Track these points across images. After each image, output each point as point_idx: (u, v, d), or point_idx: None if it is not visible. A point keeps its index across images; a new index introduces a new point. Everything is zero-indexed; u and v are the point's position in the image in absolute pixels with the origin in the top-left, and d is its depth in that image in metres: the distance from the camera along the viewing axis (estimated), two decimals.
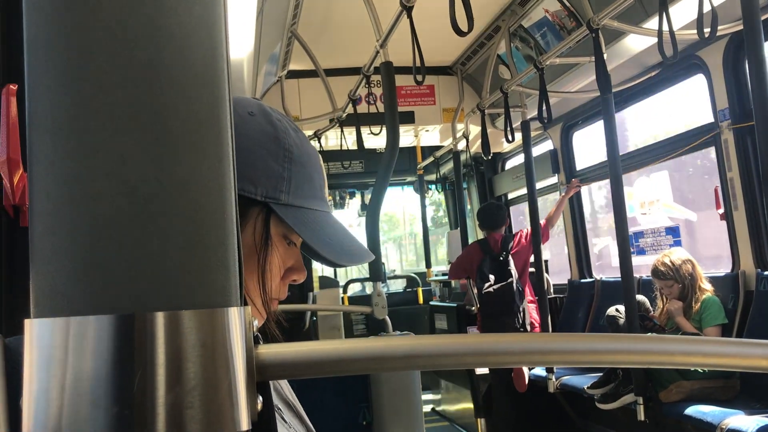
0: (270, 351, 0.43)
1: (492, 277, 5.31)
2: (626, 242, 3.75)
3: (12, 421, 0.42)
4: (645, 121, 5.38)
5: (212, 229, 0.40)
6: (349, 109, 5.30)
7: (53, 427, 0.36)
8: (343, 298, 7.35)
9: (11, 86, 1.21)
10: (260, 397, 0.43)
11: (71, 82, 0.38)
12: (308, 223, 0.87)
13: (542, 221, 5.30)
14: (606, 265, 6.44)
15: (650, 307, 4.23)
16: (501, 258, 5.34)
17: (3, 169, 1.19)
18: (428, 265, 7.98)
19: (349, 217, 9.01)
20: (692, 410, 3.56)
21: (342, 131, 5.71)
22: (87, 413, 0.36)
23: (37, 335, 0.37)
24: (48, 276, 0.37)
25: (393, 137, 3.46)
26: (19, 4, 0.40)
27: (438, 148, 7.43)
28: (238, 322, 0.40)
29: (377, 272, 3.60)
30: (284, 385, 1.03)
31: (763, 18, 2.68)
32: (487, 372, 5.61)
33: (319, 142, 6.14)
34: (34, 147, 0.39)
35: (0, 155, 1.19)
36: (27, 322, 0.38)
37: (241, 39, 3.26)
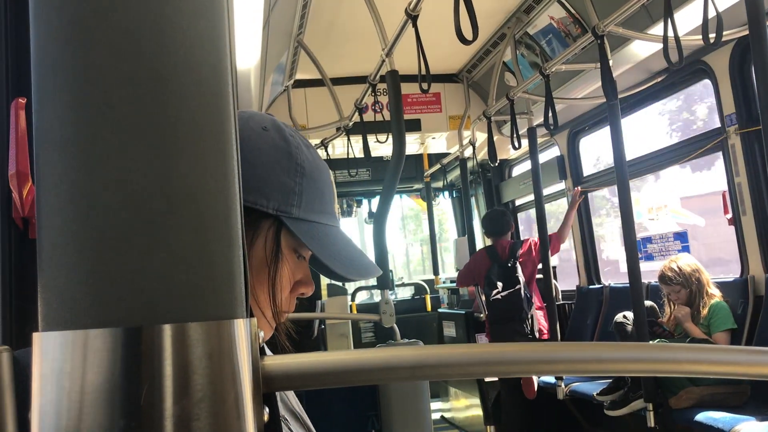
0: (276, 362, 0.44)
1: (500, 284, 5.29)
2: (634, 248, 3.74)
3: None
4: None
5: (218, 241, 0.40)
6: (356, 118, 5.31)
7: None
8: (351, 306, 7.35)
9: (20, 100, 1.22)
10: (267, 409, 0.43)
11: (77, 95, 0.38)
12: (318, 237, 0.88)
13: (553, 233, 5.27)
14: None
15: (659, 313, 4.21)
16: (509, 265, 5.33)
17: (12, 181, 1.20)
18: (436, 272, 7.97)
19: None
20: (703, 416, 3.54)
21: (349, 140, 5.72)
22: (95, 426, 0.36)
23: (46, 348, 0.38)
24: (56, 289, 0.38)
25: (399, 145, 3.47)
26: (28, 18, 0.40)
27: (445, 155, 7.43)
28: (244, 333, 0.41)
29: (385, 280, 3.59)
30: (290, 395, 1.04)
31: None
32: (496, 379, 5.60)
33: (326, 150, 6.15)
34: (41, 160, 0.39)
35: (9, 168, 1.20)
36: (35, 335, 0.38)
37: (247, 49, 3.27)
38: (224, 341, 0.39)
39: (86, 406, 0.36)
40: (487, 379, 5.65)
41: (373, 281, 7.52)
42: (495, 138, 5.41)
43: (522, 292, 5.22)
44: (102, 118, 0.38)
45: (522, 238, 5.79)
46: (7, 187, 1.22)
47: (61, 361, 0.37)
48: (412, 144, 6.92)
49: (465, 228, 6.66)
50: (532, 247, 5.37)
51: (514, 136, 4.90)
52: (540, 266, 5.23)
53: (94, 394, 0.36)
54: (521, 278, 5.25)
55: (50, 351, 0.37)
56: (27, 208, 1.22)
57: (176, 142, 0.39)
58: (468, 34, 2.82)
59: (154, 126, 0.38)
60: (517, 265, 5.29)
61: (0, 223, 1.23)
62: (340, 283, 6.13)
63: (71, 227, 0.38)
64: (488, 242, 6.14)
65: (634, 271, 3.71)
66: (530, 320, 5.22)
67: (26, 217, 1.24)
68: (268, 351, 0.96)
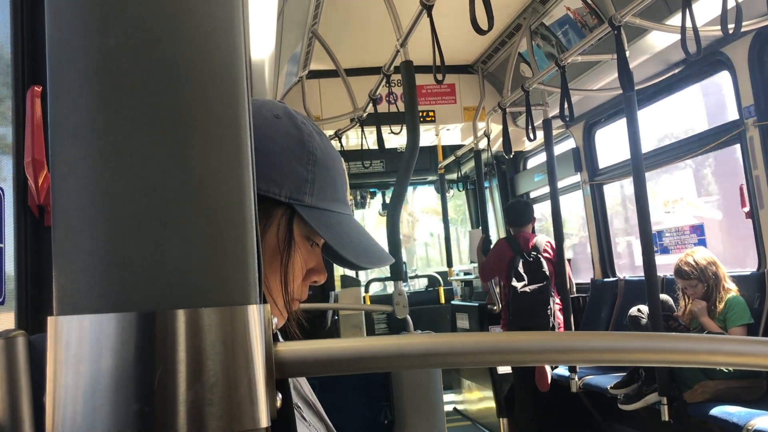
0: (289, 348, 0.44)
1: (526, 277, 5.25)
2: (650, 241, 3.71)
3: (37, 418, 0.43)
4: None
5: (232, 227, 0.40)
6: (370, 109, 5.30)
7: (76, 423, 0.37)
8: (364, 297, 7.36)
9: (36, 88, 1.23)
10: (279, 395, 0.43)
11: (92, 84, 0.38)
12: (331, 225, 0.88)
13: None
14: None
15: (674, 307, 4.18)
16: (531, 258, 5.28)
17: (28, 169, 1.21)
18: (450, 264, 7.97)
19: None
20: (718, 410, 3.52)
21: (363, 131, 5.71)
22: (109, 410, 0.36)
23: (60, 333, 0.38)
24: (70, 275, 0.38)
25: (413, 136, 3.46)
26: (43, 7, 0.40)
27: (459, 147, 7.41)
28: (257, 319, 0.41)
29: (398, 271, 3.60)
30: (303, 383, 1.04)
31: None
32: (510, 371, 5.59)
33: (340, 141, 6.15)
34: (57, 148, 0.39)
35: (25, 156, 1.21)
36: (50, 319, 0.39)
37: (262, 40, 3.28)
38: (237, 327, 0.39)
39: (100, 390, 0.37)
40: (500, 372, 5.64)
41: (386, 272, 7.53)
42: (510, 129, 5.38)
43: (548, 287, 5.19)
44: (116, 106, 0.38)
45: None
46: (23, 175, 1.23)
47: (75, 346, 0.37)
48: (427, 135, 6.90)
49: (479, 220, 6.65)
50: (552, 252, 5.29)
51: (530, 127, 4.88)
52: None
53: (108, 378, 0.37)
54: (547, 273, 5.21)
55: (65, 335, 0.38)
56: (43, 196, 1.23)
57: (190, 130, 0.39)
58: (483, 24, 2.81)
59: (168, 114, 0.39)
60: (542, 259, 5.26)
61: (16, 211, 1.24)
62: (353, 274, 6.15)
63: (86, 213, 0.38)
64: (502, 233, 6.12)
65: (649, 264, 3.69)
66: (553, 316, 5.19)
67: (42, 204, 1.25)
68: (281, 338, 0.96)
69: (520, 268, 5.28)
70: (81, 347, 0.37)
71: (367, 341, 0.45)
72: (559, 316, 5.27)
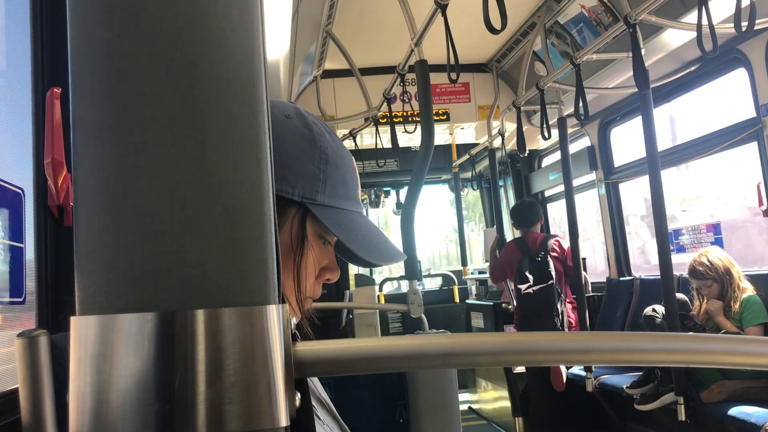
0: (308, 348, 0.44)
1: (531, 278, 5.23)
2: (666, 240, 3.69)
3: (59, 417, 0.43)
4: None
5: (251, 228, 0.40)
6: (384, 108, 5.30)
7: (98, 422, 0.37)
8: (379, 296, 7.36)
9: (55, 89, 1.24)
10: (298, 394, 0.44)
11: (113, 85, 0.39)
12: (343, 223, 0.88)
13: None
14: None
15: (690, 306, 4.15)
16: (539, 258, 5.27)
17: (48, 170, 1.22)
18: (464, 263, 7.95)
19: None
20: (735, 411, 3.49)
21: (377, 130, 5.71)
22: (130, 409, 0.37)
23: (82, 332, 0.38)
24: (92, 274, 0.38)
25: (428, 135, 3.45)
26: (65, 9, 0.41)
27: (473, 145, 7.38)
28: (276, 319, 0.41)
29: (413, 270, 3.59)
30: (316, 382, 1.05)
31: None
32: (524, 371, 5.57)
33: (355, 141, 6.15)
34: (78, 149, 0.40)
35: (45, 157, 1.22)
36: (73, 319, 0.39)
37: (277, 39, 3.28)
38: (257, 327, 0.40)
39: (121, 389, 0.37)
40: (515, 371, 5.63)
41: (401, 271, 7.52)
42: (524, 128, 5.36)
43: (554, 287, 5.16)
44: (137, 107, 0.38)
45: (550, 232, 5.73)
46: (42, 176, 1.24)
47: (97, 345, 0.38)
48: (441, 134, 6.89)
49: (494, 219, 6.63)
50: (567, 251, 5.23)
51: (544, 126, 4.85)
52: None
53: (129, 377, 0.37)
54: (553, 273, 5.19)
55: (87, 335, 0.38)
56: (62, 196, 1.25)
57: (210, 130, 0.39)
58: (497, 23, 2.80)
59: (187, 114, 0.39)
60: (549, 259, 5.23)
61: (36, 211, 1.25)
62: (367, 272, 6.15)
63: (107, 214, 0.38)
64: (517, 233, 6.10)
65: (665, 263, 3.66)
66: (561, 316, 5.16)
67: (61, 204, 1.26)
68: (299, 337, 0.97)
69: (528, 270, 5.26)
70: (103, 347, 0.38)
71: (386, 341, 0.45)
72: (572, 316, 5.25)
